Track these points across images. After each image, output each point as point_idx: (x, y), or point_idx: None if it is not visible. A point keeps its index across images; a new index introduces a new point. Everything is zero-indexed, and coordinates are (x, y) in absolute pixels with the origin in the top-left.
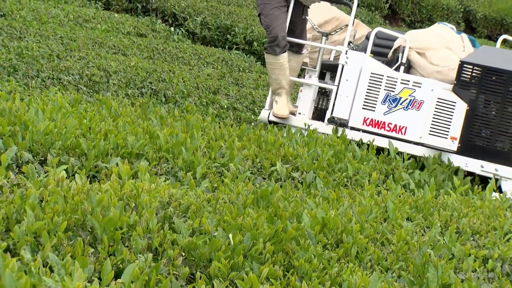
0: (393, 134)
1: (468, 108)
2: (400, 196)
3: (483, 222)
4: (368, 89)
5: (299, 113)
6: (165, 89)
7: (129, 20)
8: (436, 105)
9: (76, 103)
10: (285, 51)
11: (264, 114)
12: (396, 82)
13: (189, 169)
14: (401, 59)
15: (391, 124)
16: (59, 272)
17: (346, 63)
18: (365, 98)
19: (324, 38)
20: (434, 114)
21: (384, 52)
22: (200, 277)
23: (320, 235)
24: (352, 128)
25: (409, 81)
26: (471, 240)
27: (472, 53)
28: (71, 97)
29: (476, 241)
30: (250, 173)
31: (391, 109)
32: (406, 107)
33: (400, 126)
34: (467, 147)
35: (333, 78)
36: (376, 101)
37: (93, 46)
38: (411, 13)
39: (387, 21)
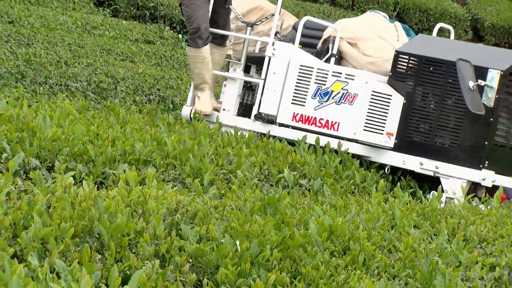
0: (325, 130)
1: (405, 101)
2: (407, 204)
3: (491, 230)
4: (297, 82)
5: (224, 109)
6: (173, 96)
7: (137, 27)
8: (371, 98)
9: (83, 110)
10: (207, 43)
11: (186, 111)
12: (327, 74)
13: (196, 175)
14: (332, 50)
15: (322, 119)
16: (66, 279)
17: (273, 55)
18: (294, 92)
19: (248, 28)
20: (368, 109)
21: (313, 43)
22: (207, 283)
23: (328, 242)
24: (281, 125)
25: (341, 73)
26: (478, 247)
27: (408, 42)
28: (79, 104)
29: (483, 249)
30: (258, 180)
31: (322, 103)
32: (339, 101)
33: (332, 121)
34: (404, 144)
35: (259, 71)
36: (306, 95)
37: (101, 53)
38: (419, 21)
39: None
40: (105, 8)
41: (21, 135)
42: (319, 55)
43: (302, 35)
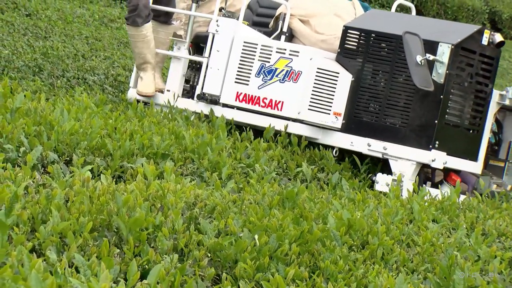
0: (269, 110)
1: (353, 79)
2: (425, 198)
3: (509, 224)
4: (241, 60)
5: (168, 90)
6: None
7: None
8: (316, 76)
9: (101, 103)
10: (148, 21)
11: (130, 93)
12: (271, 51)
13: (214, 169)
14: (281, 27)
15: (266, 99)
16: (85, 273)
17: (217, 31)
18: (238, 71)
19: (194, 5)
20: (313, 87)
21: (269, 22)
22: (226, 278)
23: (346, 236)
24: (225, 105)
25: (285, 49)
26: (497, 242)
27: (357, 17)
28: (96, 97)
29: (502, 243)
30: (276, 174)
31: (266, 82)
32: (283, 79)
33: (276, 101)
34: (353, 124)
35: None
36: (250, 73)
37: (118, 46)
38: (437, 13)
39: None
40: (122, 1)
41: (39, 129)
42: (272, 34)
43: (257, 14)
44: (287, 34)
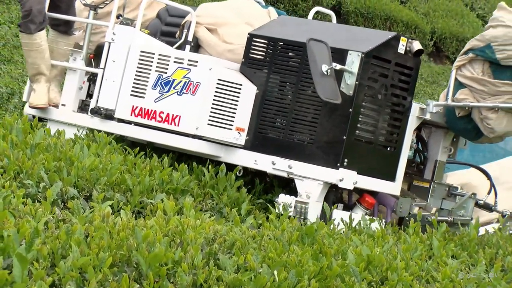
0: (166, 125)
1: (258, 91)
2: (445, 234)
3: None
4: (137, 71)
5: (62, 104)
6: None
7: None
8: (216, 88)
9: (121, 139)
10: (42, 29)
11: (26, 108)
12: (169, 61)
13: (234, 205)
14: (186, 36)
15: (162, 113)
16: None
17: (113, 40)
18: (134, 83)
19: (91, 12)
20: (214, 100)
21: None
22: None
23: (365, 272)
24: (120, 120)
25: (183, 59)
26: None
27: (264, 24)
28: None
29: None
30: None
31: (163, 94)
32: (180, 92)
33: (173, 115)
34: (257, 140)
35: None
36: (146, 85)
37: None
38: (456, 50)
39: (431, 59)
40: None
41: (58, 164)
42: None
43: (167, 24)
44: (192, 44)
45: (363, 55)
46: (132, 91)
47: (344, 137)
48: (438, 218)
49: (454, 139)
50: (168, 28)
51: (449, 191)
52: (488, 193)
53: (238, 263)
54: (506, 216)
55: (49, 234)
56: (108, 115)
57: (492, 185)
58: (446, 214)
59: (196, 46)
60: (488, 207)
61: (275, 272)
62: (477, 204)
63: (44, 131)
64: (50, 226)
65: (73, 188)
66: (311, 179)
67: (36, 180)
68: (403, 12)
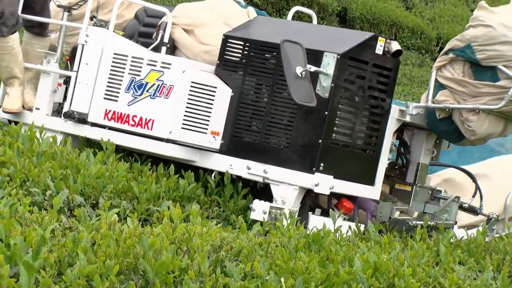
0: (139, 129)
1: (233, 94)
2: (451, 240)
3: None
4: (110, 74)
5: (37, 108)
6: None
7: None
8: (190, 91)
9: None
10: (15, 31)
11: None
12: (142, 63)
13: (240, 212)
14: (161, 38)
15: (136, 117)
16: None
17: (86, 42)
18: (107, 86)
19: (65, 13)
20: (187, 103)
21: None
22: None
23: (372, 279)
24: (93, 124)
25: (156, 61)
26: None
27: (239, 25)
28: None
29: None
30: None
31: (136, 97)
32: (153, 95)
33: (146, 119)
34: (232, 144)
35: None
36: (120, 88)
37: None
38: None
39: None
40: None
41: (65, 172)
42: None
43: (145, 24)
44: (168, 45)
45: (338, 56)
46: (106, 94)
47: (320, 140)
48: (419, 222)
49: (437, 141)
50: (146, 29)
51: (432, 194)
52: (473, 196)
53: (245, 270)
54: (493, 219)
55: (56, 242)
56: (81, 119)
57: (477, 187)
58: (429, 218)
59: (173, 48)
60: (473, 210)
61: (282, 280)
62: (461, 207)
63: (51, 138)
64: (56, 234)
65: (80, 196)
66: (287, 184)
67: (42, 188)
68: (409, 18)
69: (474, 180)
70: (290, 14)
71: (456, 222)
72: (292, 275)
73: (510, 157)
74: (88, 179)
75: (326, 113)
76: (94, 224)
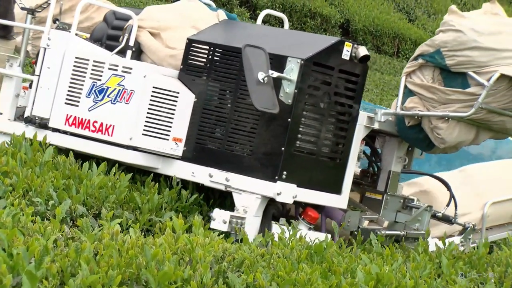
0: (99, 135)
1: (196, 100)
2: (453, 252)
3: None
4: (72, 78)
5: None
6: None
7: None
8: (152, 96)
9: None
10: None
11: None
12: (103, 68)
13: None
14: (127, 41)
15: (96, 122)
16: None
17: (48, 46)
18: (69, 90)
19: (29, 16)
20: (149, 109)
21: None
22: None
23: None
24: (54, 130)
25: (118, 66)
26: None
27: (204, 29)
28: None
29: None
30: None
31: (97, 102)
32: (114, 100)
33: (107, 125)
34: (195, 151)
35: None
36: (81, 93)
37: None
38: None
39: None
40: None
41: (67, 182)
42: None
43: (113, 27)
44: (133, 49)
45: (302, 61)
46: (67, 99)
47: (283, 148)
48: (388, 232)
49: (409, 149)
50: (114, 32)
51: (404, 203)
52: (447, 205)
53: (247, 281)
54: (469, 228)
55: (58, 252)
56: (42, 124)
57: (452, 196)
58: (400, 227)
59: (139, 52)
60: (447, 220)
61: None
62: (435, 217)
63: (53, 149)
64: (59, 244)
65: (82, 206)
66: (249, 192)
67: (45, 198)
68: (412, 30)
69: (449, 189)
70: (260, 18)
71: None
72: (294, 286)
73: (487, 165)
74: (90, 189)
75: (289, 120)
76: (97, 234)
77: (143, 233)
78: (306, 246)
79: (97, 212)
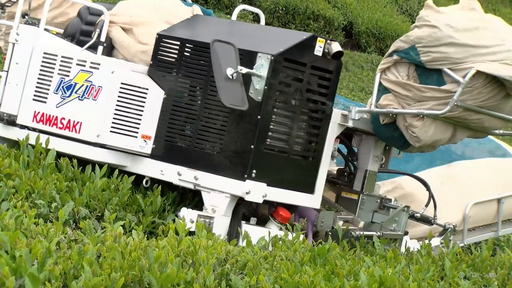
0: (67, 132)
1: (166, 96)
2: (457, 255)
3: None
4: (40, 74)
5: None
6: None
7: None
8: (120, 92)
9: None
10: None
11: None
12: (71, 64)
13: None
14: (98, 37)
15: (64, 119)
16: None
17: (17, 41)
18: (36, 86)
19: None
20: (116, 105)
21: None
22: None
23: None
24: (23, 127)
25: (85, 61)
26: None
27: (174, 24)
28: None
29: None
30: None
31: (64, 99)
32: (82, 96)
33: (74, 121)
34: (164, 149)
35: None
36: (49, 89)
37: None
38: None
39: None
40: None
41: (70, 185)
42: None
43: (87, 23)
44: (105, 45)
45: (272, 57)
46: (35, 95)
47: (252, 146)
48: (365, 232)
49: (387, 148)
50: (88, 27)
51: (381, 203)
52: (426, 205)
53: (250, 283)
54: (449, 229)
55: (61, 254)
56: (10, 121)
57: (431, 196)
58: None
59: (111, 47)
60: (426, 220)
61: None
62: (414, 217)
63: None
64: (62, 246)
65: (85, 208)
66: (218, 191)
67: (48, 200)
68: None
69: (428, 189)
70: (235, 13)
71: (407, 233)
72: None
73: (468, 163)
74: (93, 191)
75: (259, 117)
76: (100, 236)
77: (146, 235)
78: (309, 248)
79: (100, 214)
